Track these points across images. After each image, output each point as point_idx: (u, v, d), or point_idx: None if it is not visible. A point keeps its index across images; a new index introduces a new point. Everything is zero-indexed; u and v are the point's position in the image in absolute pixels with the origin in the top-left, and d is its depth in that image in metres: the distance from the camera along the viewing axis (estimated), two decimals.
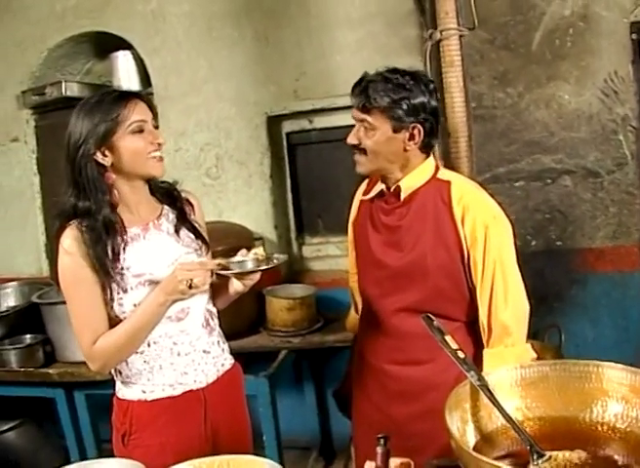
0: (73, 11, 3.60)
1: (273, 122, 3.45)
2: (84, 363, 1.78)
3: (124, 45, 3.57)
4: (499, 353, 1.77)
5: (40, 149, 3.86)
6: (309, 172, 3.62)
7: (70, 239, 1.63)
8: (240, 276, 1.73)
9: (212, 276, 1.71)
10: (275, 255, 1.78)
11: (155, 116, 1.73)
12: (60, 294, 1.70)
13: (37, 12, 3.68)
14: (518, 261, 1.82)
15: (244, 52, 3.37)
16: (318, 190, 3.60)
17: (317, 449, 3.53)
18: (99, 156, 1.63)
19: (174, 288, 1.59)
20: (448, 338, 1.31)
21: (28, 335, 3.08)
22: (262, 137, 3.42)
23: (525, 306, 1.82)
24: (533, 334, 2.60)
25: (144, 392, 1.73)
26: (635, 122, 2.89)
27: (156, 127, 1.72)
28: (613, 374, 1.21)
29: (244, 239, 3.14)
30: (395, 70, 1.78)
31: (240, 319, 3.01)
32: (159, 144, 1.68)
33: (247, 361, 2.85)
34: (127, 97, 1.66)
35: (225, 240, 2.76)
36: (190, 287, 1.58)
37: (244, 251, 1.73)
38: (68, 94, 3.48)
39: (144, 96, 1.74)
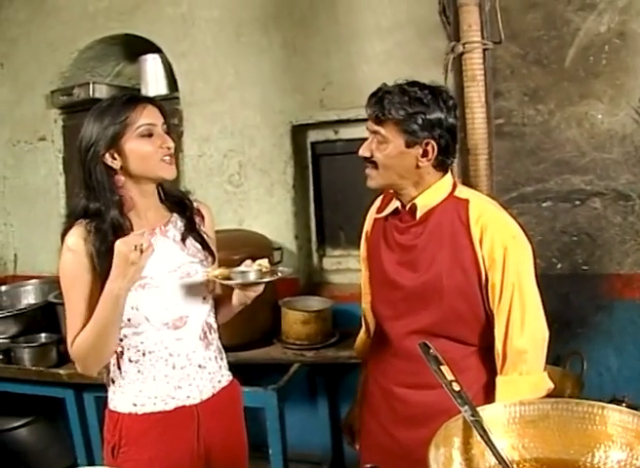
0: (104, 13, 3.62)
1: (298, 131, 3.41)
2: None
3: (153, 48, 3.57)
4: (513, 381, 1.69)
5: (66, 149, 3.89)
6: (333, 183, 3.57)
7: (75, 237, 1.61)
8: (242, 287, 1.70)
9: (214, 288, 1.67)
10: (280, 268, 1.76)
11: (166, 121, 1.70)
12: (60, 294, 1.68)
13: (69, 13, 3.71)
14: (541, 284, 1.74)
15: (271, 59, 3.34)
16: (341, 202, 3.53)
17: (328, 465, 3.47)
18: (108, 158, 1.62)
19: (124, 264, 1.50)
20: (444, 368, 1.25)
21: (43, 334, 3.11)
22: (286, 146, 3.38)
23: (543, 332, 1.72)
24: (554, 361, 2.52)
25: (135, 405, 1.70)
26: None
27: (167, 132, 1.69)
28: (618, 418, 1.13)
29: (263, 248, 3.11)
30: (414, 83, 1.72)
31: (254, 330, 2.99)
32: (169, 148, 1.66)
33: (259, 372, 2.82)
34: (137, 100, 1.66)
35: (244, 248, 2.74)
36: (142, 252, 1.50)
37: (248, 261, 1.69)
38: (96, 95, 3.48)
39: (156, 101, 1.73)
